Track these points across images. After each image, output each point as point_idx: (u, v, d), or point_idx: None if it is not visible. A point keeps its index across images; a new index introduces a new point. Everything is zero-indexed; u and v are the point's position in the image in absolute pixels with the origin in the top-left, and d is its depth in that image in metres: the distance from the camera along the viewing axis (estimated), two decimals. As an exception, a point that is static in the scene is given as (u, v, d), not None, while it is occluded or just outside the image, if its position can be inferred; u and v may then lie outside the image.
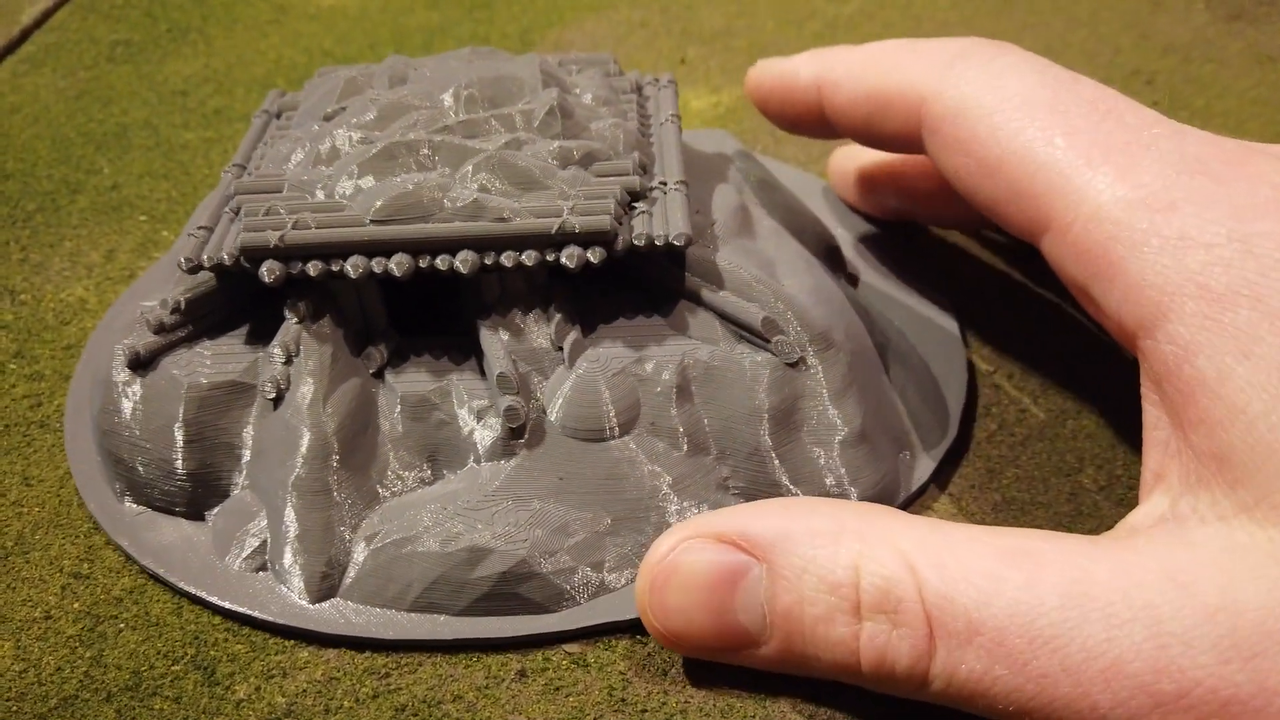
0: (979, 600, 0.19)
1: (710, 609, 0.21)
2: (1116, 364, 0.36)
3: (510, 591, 0.28)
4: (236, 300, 0.33)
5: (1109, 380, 0.36)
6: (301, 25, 0.59)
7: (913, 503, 0.32)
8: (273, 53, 0.57)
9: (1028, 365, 0.36)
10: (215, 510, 0.32)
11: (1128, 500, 0.32)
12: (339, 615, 0.29)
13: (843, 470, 0.30)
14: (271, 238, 0.30)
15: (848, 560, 0.20)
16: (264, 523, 0.30)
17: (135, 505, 0.32)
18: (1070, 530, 0.31)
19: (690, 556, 0.22)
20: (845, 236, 0.41)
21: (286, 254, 0.30)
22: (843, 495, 0.30)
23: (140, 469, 0.32)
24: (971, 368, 0.36)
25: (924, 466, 0.32)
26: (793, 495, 0.30)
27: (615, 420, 0.30)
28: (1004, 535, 0.20)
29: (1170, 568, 0.18)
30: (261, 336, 0.32)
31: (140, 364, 0.32)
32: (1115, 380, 0.36)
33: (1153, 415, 0.21)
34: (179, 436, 0.31)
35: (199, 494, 0.32)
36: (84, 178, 0.48)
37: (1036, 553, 0.19)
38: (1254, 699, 0.16)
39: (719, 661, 0.23)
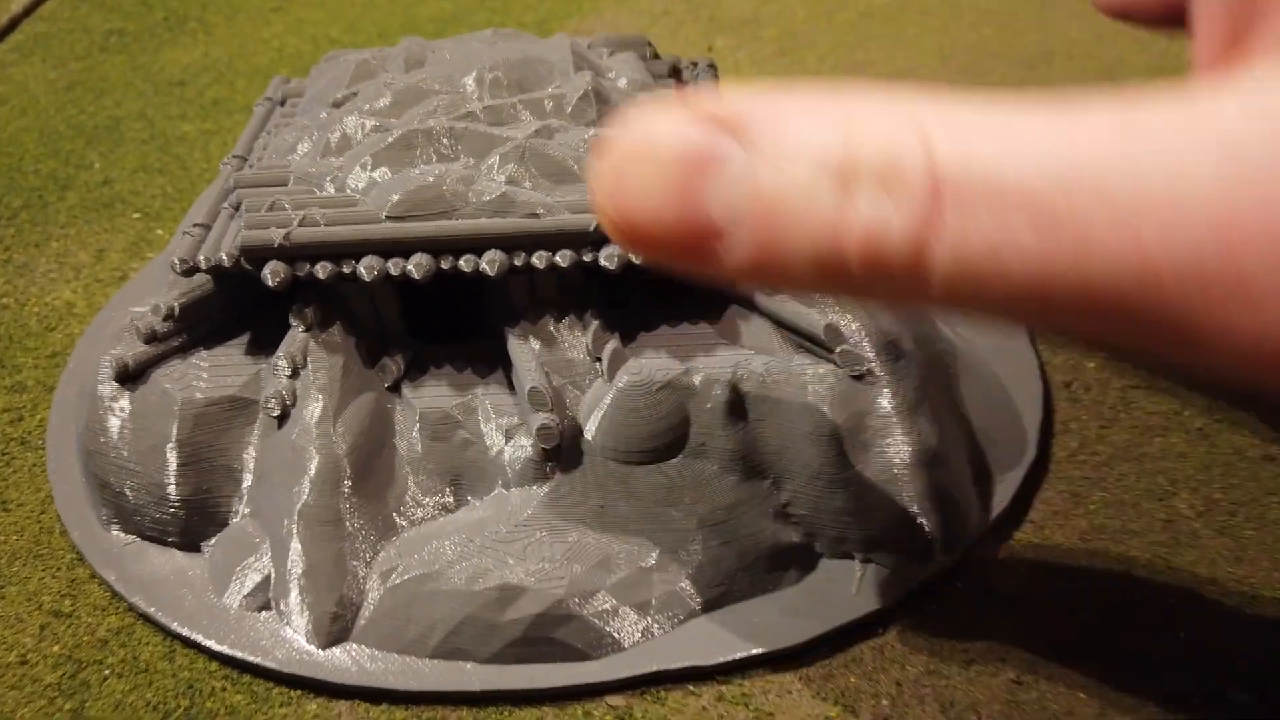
0: (1004, 154, 0.15)
1: (677, 194, 0.17)
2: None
3: (546, 635, 0.25)
4: (237, 306, 0.30)
5: (1198, 392, 0.32)
6: (306, 12, 0.56)
7: (991, 532, 0.28)
8: (276, 41, 0.54)
9: (1107, 375, 0.33)
10: (212, 541, 0.28)
11: (1230, 528, 0.29)
12: (352, 662, 0.25)
13: (915, 495, 0.27)
14: (275, 236, 0.26)
15: (843, 129, 0.16)
16: (267, 556, 0.27)
17: (123, 534, 0.29)
18: (1170, 565, 0.28)
19: (664, 129, 0.17)
20: None
21: (292, 254, 0.27)
22: (914, 524, 0.27)
23: (129, 494, 0.29)
24: (1046, 379, 0.33)
25: (1002, 490, 0.29)
26: (860, 522, 0.27)
27: (661, 440, 0.27)
28: (1044, 102, 0.16)
29: (1249, 105, 0.14)
30: (265, 346, 0.29)
31: (129, 377, 0.29)
32: (1205, 393, 0.32)
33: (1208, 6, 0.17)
34: (172, 458, 0.28)
35: (194, 522, 0.28)
36: (74, 173, 0.45)
37: (1079, 104, 0.15)
38: None
39: (678, 266, 0.18)
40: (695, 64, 0.35)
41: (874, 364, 0.27)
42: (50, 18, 0.56)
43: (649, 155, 0.17)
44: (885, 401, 0.27)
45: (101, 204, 0.43)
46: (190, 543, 0.29)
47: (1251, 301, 0.14)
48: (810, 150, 0.16)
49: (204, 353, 0.29)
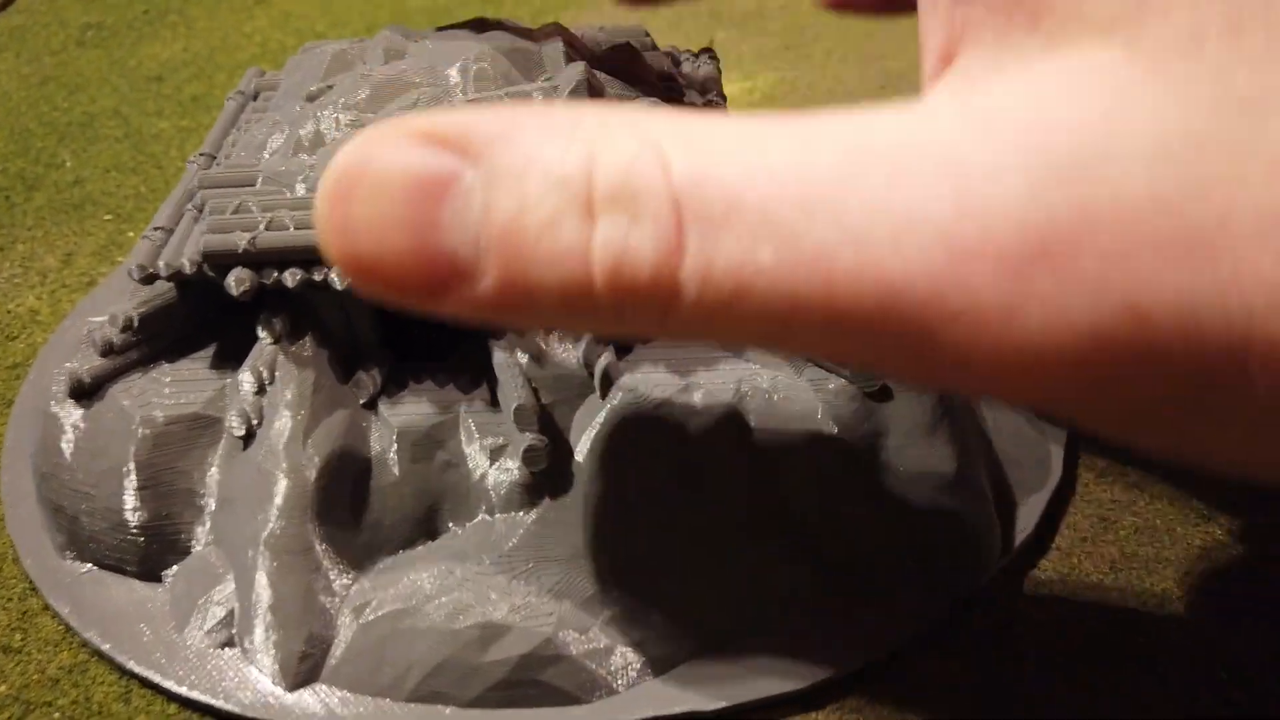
0: (741, 171, 0.15)
1: (409, 226, 0.15)
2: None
3: (532, 678, 0.23)
4: (201, 316, 0.28)
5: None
6: (291, 5, 0.54)
7: (1015, 559, 0.26)
8: (259, 35, 0.52)
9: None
10: (173, 570, 0.26)
11: (1272, 554, 0.26)
12: (321, 706, 0.23)
13: (933, 522, 0.25)
14: (240, 240, 0.24)
15: (581, 150, 0.15)
16: (231, 588, 0.25)
17: (79, 563, 0.27)
18: (1209, 596, 0.26)
19: (384, 155, 0.16)
20: None
21: (259, 260, 0.25)
22: (930, 555, 0.25)
23: (84, 520, 0.27)
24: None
25: (1026, 515, 0.27)
26: (875, 552, 0.25)
27: (658, 463, 0.24)
28: (780, 116, 0.16)
29: (969, 111, 0.15)
30: (231, 360, 0.27)
31: (84, 393, 0.27)
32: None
33: None
34: (129, 481, 0.26)
35: (154, 551, 0.26)
36: (43, 172, 0.43)
37: (813, 119, 0.15)
38: (1076, 228, 0.13)
39: (426, 310, 0.16)
40: (696, 55, 0.33)
41: (887, 380, 0.25)
42: (27, 11, 0.54)
43: (372, 184, 0.16)
44: (901, 420, 0.25)
45: (71, 205, 0.41)
46: (150, 572, 0.27)
47: (979, 314, 0.13)
48: (547, 169, 0.15)
49: (166, 367, 0.27)
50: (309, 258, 0.25)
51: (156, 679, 0.24)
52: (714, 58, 0.33)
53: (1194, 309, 0.13)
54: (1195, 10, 0.14)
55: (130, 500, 0.26)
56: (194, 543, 0.26)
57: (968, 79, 0.16)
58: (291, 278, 0.25)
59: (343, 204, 0.16)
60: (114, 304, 0.29)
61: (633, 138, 0.15)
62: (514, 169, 0.15)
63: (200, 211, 0.27)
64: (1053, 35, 0.15)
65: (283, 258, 0.25)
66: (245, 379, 0.26)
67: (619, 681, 0.23)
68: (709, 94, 0.30)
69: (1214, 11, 0.13)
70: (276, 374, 0.26)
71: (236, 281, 0.25)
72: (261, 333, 0.26)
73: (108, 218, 0.40)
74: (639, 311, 0.15)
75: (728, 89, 0.47)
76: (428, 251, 0.16)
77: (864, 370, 0.16)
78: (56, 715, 0.24)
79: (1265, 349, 0.13)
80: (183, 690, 0.24)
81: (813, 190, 0.14)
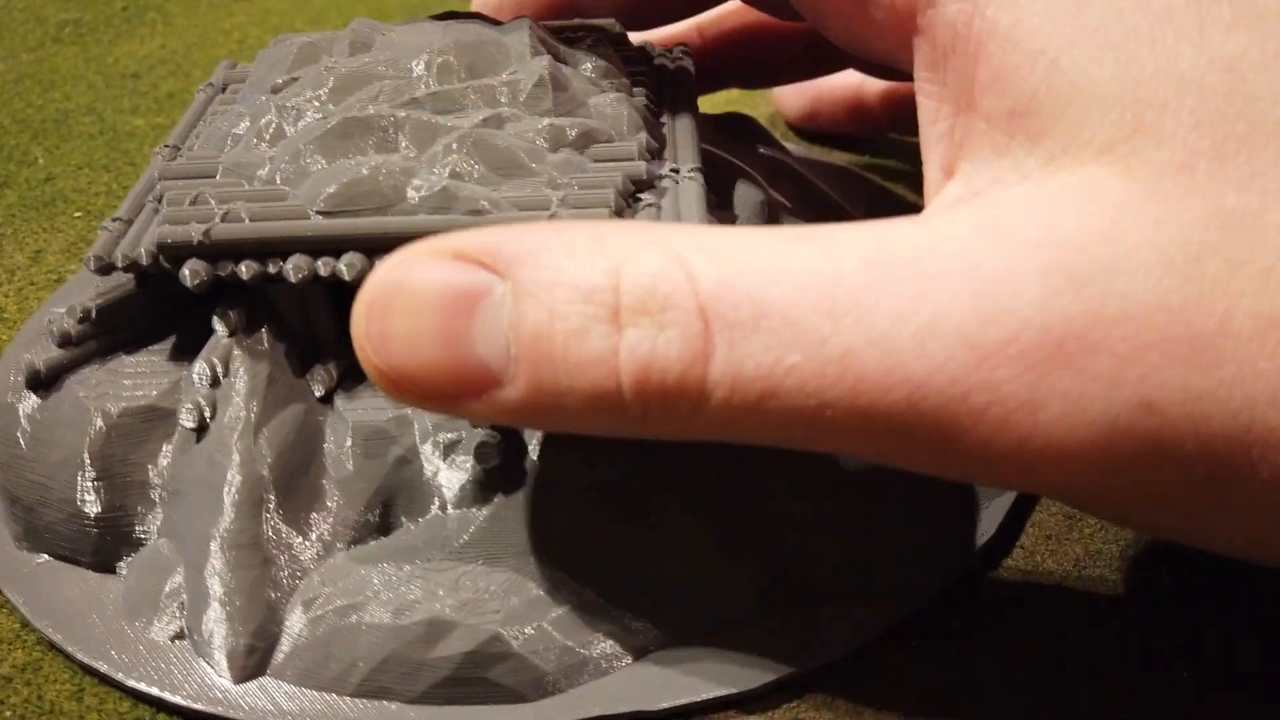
0: (765, 281, 0.16)
1: (442, 338, 0.17)
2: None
3: (478, 675, 0.23)
4: (162, 309, 0.28)
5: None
6: (271, 2, 0.54)
7: (978, 561, 0.26)
8: (237, 32, 0.52)
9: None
10: (128, 562, 0.26)
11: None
12: (267, 700, 0.23)
13: (893, 523, 0.25)
14: (195, 232, 0.24)
15: (607, 264, 0.17)
16: (182, 580, 0.25)
17: (35, 553, 0.27)
18: (1177, 594, 0.25)
19: (418, 273, 0.17)
20: None
21: (214, 252, 0.24)
22: (891, 556, 0.24)
23: (39, 511, 0.26)
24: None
25: (990, 515, 0.27)
26: (830, 557, 0.25)
27: (615, 462, 0.24)
28: (795, 227, 0.18)
29: (981, 222, 0.16)
30: (190, 352, 0.27)
31: (40, 384, 0.27)
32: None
33: (930, 109, 0.19)
34: (85, 473, 0.26)
35: (108, 542, 0.26)
36: (14, 169, 0.43)
37: (830, 231, 0.17)
38: (1090, 330, 0.14)
39: (456, 415, 0.18)
40: (670, 51, 0.33)
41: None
42: (5, 7, 0.54)
43: (408, 298, 0.17)
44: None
45: (42, 202, 0.41)
46: (104, 564, 0.26)
47: (1003, 410, 0.14)
48: (573, 282, 0.16)
49: (125, 358, 0.27)
50: (265, 250, 0.24)
51: (107, 671, 0.24)
52: (688, 54, 0.33)
53: (1201, 403, 0.14)
54: (1186, 137, 0.15)
55: (85, 492, 0.26)
56: (148, 535, 0.26)
57: (972, 190, 0.17)
58: (247, 270, 0.24)
59: (379, 318, 0.17)
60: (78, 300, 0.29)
61: (657, 252, 0.16)
62: (542, 282, 0.16)
63: (160, 203, 0.27)
64: (1053, 155, 0.16)
65: (238, 250, 0.24)
66: (198, 371, 0.25)
67: (567, 680, 0.23)
68: (680, 90, 0.30)
69: (1203, 138, 0.15)
70: (231, 367, 0.25)
71: (191, 274, 0.24)
72: (217, 325, 0.26)
73: (78, 215, 0.40)
74: (666, 415, 0.16)
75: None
76: (459, 360, 0.17)
77: (889, 466, 0.17)
78: (8, 714, 0.24)
79: (1266, 438, 0.14)
80: (131, 682, 0.24)
81: (838, 297, 0.15)
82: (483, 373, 0.17)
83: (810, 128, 0.42)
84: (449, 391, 0.17)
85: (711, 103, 0.45)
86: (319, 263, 0.24)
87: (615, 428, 0.17)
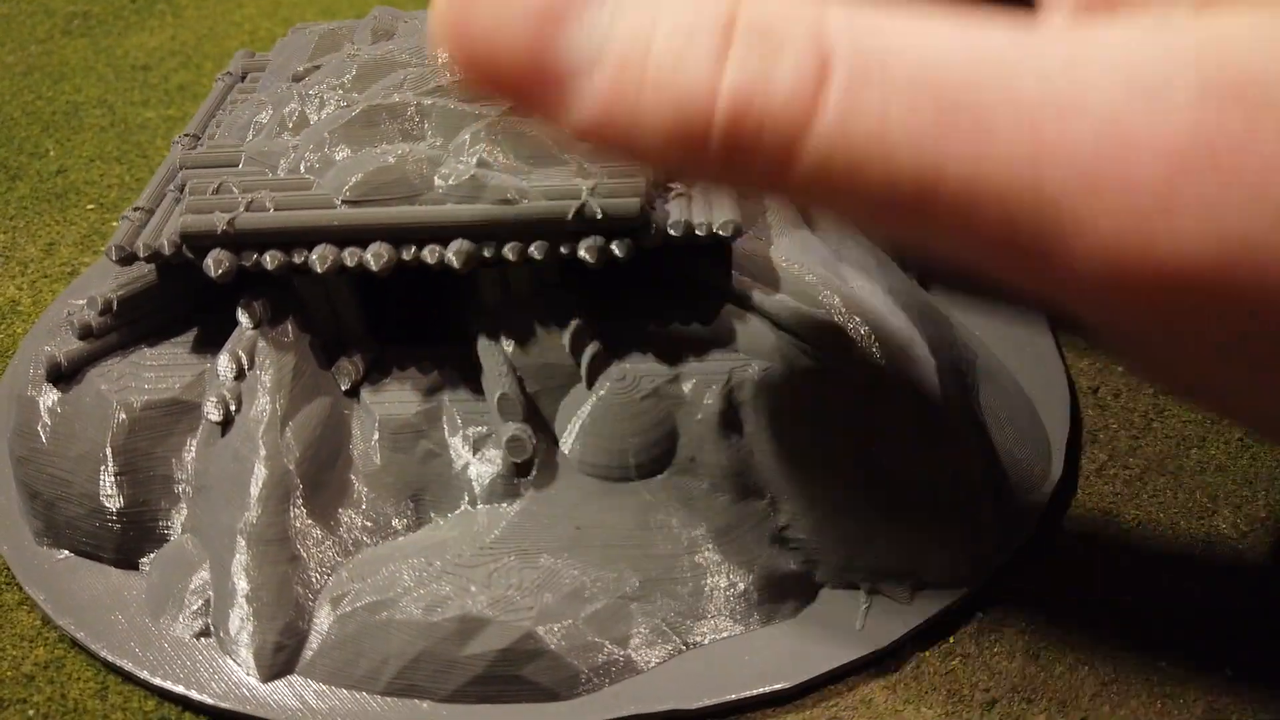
0: (900, 36, 0.14)
1: (534, 35, 0.15)
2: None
3: (511, 673, 0.22)
4: (184, 300, 0.27)
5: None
6: (283, -4, 0.53)
7: (1014, 557, 0.26)
8: (248, 24, 0.51)
9: (1137, 380, 0.30)
10: (150, 558, 0.26)
11: (1275, 549, 0.26)
12: (296, 699, 0.23)
13: (929, 518, 0.24)
14: (219, 221, 0.24)
15: None
16: (208, 576, 0.24)
17: (56, 549, 0.26)
18: (1214, 592, 0.25)
19: None
20: None
21: (238, 242, 0.24)
22: (923, 554, 0.24)
23: (61, 506, 0.26)
24: (1072, 385, 0.30)
25: (1026, 511, 0.26)
26: (866, 551, 0.24)
27: (646, 455, 0.24)
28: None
29: (1134, 27, 0.15)
30: (213, 345, 0.26)
31: (62, 376, 0.26)
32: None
33: None
34: (107, 467, 0.25)
35: (131, 538, 0.26)
36: (26, 161, 0.42)
37: (978, 12, 0.15)
38: (1245, 140, 0.13)
39: (525, 110, 0.16)
40: None
41: (884, 371, 0.25)
42: (13, 0, 0.54)
43: None
44: (895, 417, 0.24)
45: (54, 194, 0.40)
46: (127, 560, 0.26)
47: (1132, 205, 0.13)
48: None
49: (147, 351, 0.27)
50: (290, 240, 0.24)
51: (131, 669, 0.24)
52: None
53: None
54: None
55: (107, 486, 0.25)
56: (171, 530, 0.26)
57: (1138, 18, 0.15)
58: (271, 260, 0.24)
59: (468, 3, 0.16)
60: (93, 292, 0.29)
61: None
62: None
63: (181, 192, 0.26)
64: (1206, 3, 0.15)
65: (263, 239, 0.24)
66: (223, 363, 0.25)
67: (601, 678, 0.22)
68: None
69: None
70: (256, 359, 0.25)
71: (215, 263, 0.24)
72: (241, 316, 0.25)
73: (91, 207, 0.40)
74: (754, 158, 0.14)
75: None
76: (545, 50, 0.15)
77: (973, 270, 0.15)
78: (31, 713, 0.24)
79: None
80: (156, 680, 0.23)
81: (974, 63, 0.14)
82: (568, 68, 0.15)
83: None
84: (522, 86, 0.15)
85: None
86: (345, 253, 0.24)
87: (689, 161, 0.15)
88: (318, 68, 0.29)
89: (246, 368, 0.25)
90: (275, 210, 0.24)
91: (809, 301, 0.25)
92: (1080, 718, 0.23)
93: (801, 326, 0.25)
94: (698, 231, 0.24)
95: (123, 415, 0.25)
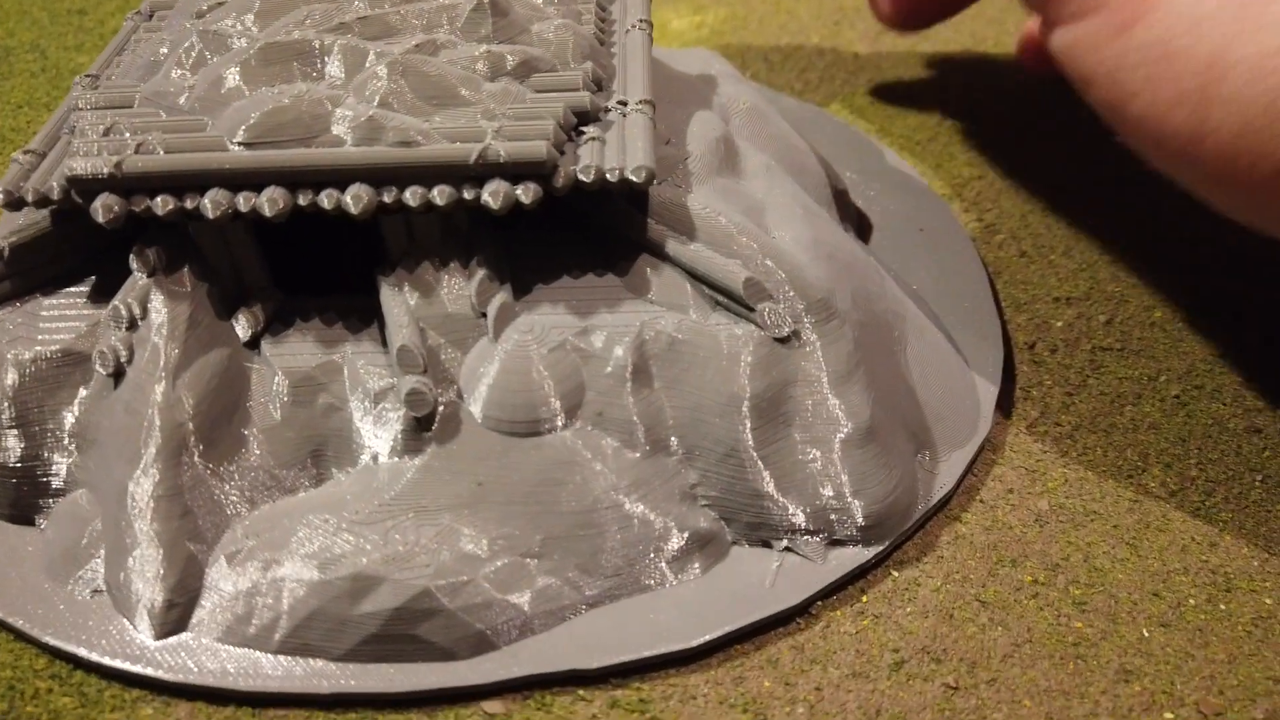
0: None
1: None
2: (1189, 331, 0.29)
3: (407, 633, 0.22)
4: (83, 248, 0.26)
5: (1179, 352, 0.29)
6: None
7: (934, 515, 0.25)
8: (188, -34, 0.49)
9: (1076, 335, 0.29)
10: (48, 513, 0.25)
11: (1204, 509, 0.25)
12: (188, 658, 0.22)
13: (845, 476, 0.23)
14: (106, 164, 0.23)
15: None
16: (100, 533, 0.24)
17: (-48, 505, 0.26)
18: (1136, 552, 0.24)
19: None
20: (856, 179, 0.34)
21: (127, 186, 0.23)
22: (844, 509, 0.23)
23: (-46, 460, 0.25)
24: (1008, 339, 0.29)
25: (949, 470, 0.26)
26: (780, 507, 0.23)
27: (553, 409, 0.23)
28: None
29: None
30: (111, 294, 0.25)
31: (-48, 327, 0.25)
32: (1186, 352, 0.29)
33: None
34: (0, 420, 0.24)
35: (25, 493, 0.25)
36: (-49, 105, 0.41)
37: None
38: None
39: None
40: None
41: (801, 325, 0.24)
42: (-50, -61, 0.52)
43: None
44: (812, 368, 0.24)
45: (-21, 139, 0.39)
46: (23, 515, 0.25)
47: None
48: None
49: (43, 300, 0.26)
50: (181, 184, 0.23)
51: (24, 627, 0.23)
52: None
53: None
54: None
55: (1, 440, 0.25)
56: (66, 486, 0.25)
57: None
58: (162, 205, 0.23)
59: None
60: None
61: None
62: None
63: (73, 134, 0.25)
64: None
65: (153, 184, 0.23)
66: (113, 312, 0.24)
67: (499, 637, 0.22)
68: (632, 19, 0.28)
69: None
70: (150, 308, 0.24)
71: (104, 208, 0.23)
72: (134, 264, 0.24)
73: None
74: None
75: (677, 23, 0.45)
76: None
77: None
78: (-83, 669, 0.23)
79: None
80: (48, 639, 0.23)
81: None
82: None
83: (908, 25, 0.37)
84: None
85: (682, 39, 0.44)
86: (239, 197, 0.23)
87: None
88: (222, 4, 0.27)
89: (139, 317, 0.24)
90: (165, 153, 0.23)
91: (727, 251, 0.24)
92: (989, 678, 0.22)
93: (716, 278, 0.24)
94: (609, 177, 0.23)
95: (13, 370, 0.24)
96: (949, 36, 0.43)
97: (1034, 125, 0.38)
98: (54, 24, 0.46)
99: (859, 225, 0.32)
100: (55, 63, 0.43)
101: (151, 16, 0.30)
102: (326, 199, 0.23)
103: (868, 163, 0.35)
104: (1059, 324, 0.30)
